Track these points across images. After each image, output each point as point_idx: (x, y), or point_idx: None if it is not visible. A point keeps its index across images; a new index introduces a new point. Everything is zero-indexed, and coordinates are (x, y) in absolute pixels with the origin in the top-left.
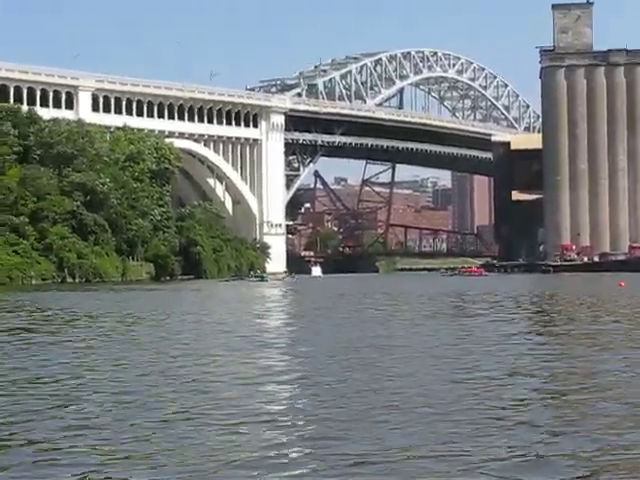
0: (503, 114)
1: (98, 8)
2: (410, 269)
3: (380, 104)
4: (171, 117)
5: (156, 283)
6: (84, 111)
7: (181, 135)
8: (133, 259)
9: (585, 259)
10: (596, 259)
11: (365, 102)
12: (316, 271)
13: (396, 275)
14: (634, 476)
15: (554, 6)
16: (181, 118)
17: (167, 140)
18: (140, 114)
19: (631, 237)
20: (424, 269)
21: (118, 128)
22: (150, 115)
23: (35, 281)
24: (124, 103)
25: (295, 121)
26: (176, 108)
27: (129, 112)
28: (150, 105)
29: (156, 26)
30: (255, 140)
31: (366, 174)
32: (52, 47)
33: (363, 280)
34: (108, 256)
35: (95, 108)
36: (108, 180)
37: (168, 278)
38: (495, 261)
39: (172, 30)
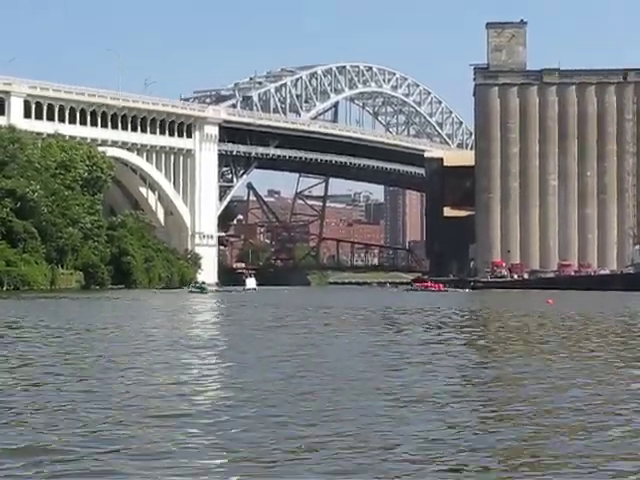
0: (437, 130)
1: (33, 14)
2: (342, 283)
3: (315, 117)
4: (104, 125)
5: (86, 292)
6: (16, 117)
7: (114, 143)
8: (63, 267)
9: (515, 276)
10: (526, 276)
11: (300, 115)
12: (250, 283)
13: (336, 289)
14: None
15: (488, 24)
16: (114, 127)
17: (100, 148)
18: (73, 122)
19: (560, 255)
20: (356, 283)
21: (50, 135)
22: (83, 123)
23: None
24: (57, 110)
25: (229, 132)
26: (109, 116)
27: (62, 119)
28: (83, 113)
29: (90, 33)
30: (189, 150)
31: (299, 187)
32: None
33: (304, 293)
34: (37, 264)
35: (27, 114)
36: (39, 187)
37: (98, 287)
38: (426, 276)
39: (106, 38)
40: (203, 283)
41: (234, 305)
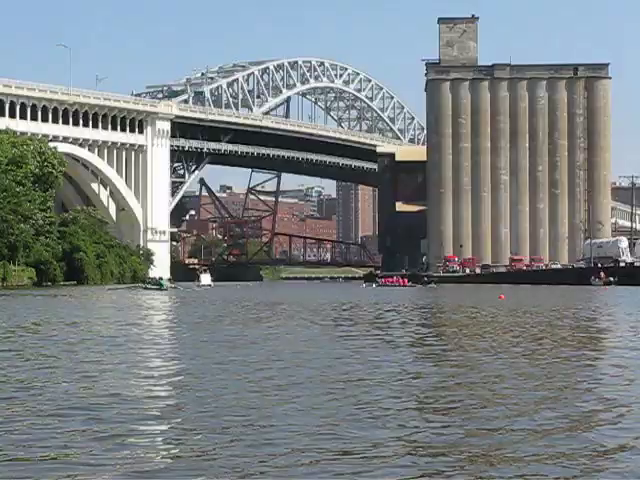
0: (389, 126)
1: None
2: (295, 278)
3: (267, 113)
4: (55, 121)
5: (37, 289)
6: None
7: (65, 139)
8: (14, 264)
9: (467, 271)
10: (478, 271)
11: (252, 110)
12: (205, 279)
13: (291, 284)
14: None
15: (440, 20)
16: (66, 122)
17: (51, 144)
18: (24, 117)
19: (512, 250)
20: (308, 278)
21: (1, 131)
22: (34, 118)
23: None
24: (7, 105)
25: (181, 128)
26: (61, 112)
27: (12, 115)
28: (34, 108)
29: (43, 29)
30: (141, 146)
31: (252, 182)
32: None
33: (258, 289)
34: None
35: None
36: None
37: (50, 284)
38: (379, 271)
39: (57, 33)
40: (161, 279)
41: (194, 302)
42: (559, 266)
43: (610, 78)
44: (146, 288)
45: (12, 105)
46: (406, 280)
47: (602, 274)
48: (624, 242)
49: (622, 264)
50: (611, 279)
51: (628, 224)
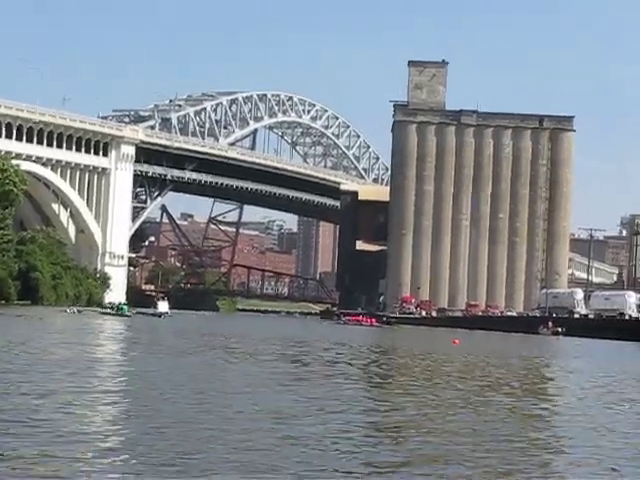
0: (353, 164)
1: None
2: (251, 310)
3: (233, 144)
4: (19, 139)
5: None
6: None
7: (28, 158)
8: None
9: (423, 313)
10: (434, 314)
11: (218, 140)
12: (163, 306)
13: (247, 316)
14: None
15: (410, 62)
16: (29, 141)
17: (13, 162)
18: None
19: (469, 295)
20: (265, 311)
21: None
22: None
23: None
24: None
25: (146, 153)
26: (25, 130)
27: None
28: None
29: (9, 45)
30: (104, 169)
31: (213, 212)
32: None
33: (215, 319)
34: None
35: None
36: None
37: (3, 302)
38: (335, 308)
39: (25, 52)
40: (124, 303)
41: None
42: (514, 313)
43: (574, 131)
44: (103, 313)
45: None
46: (374, 319)
47: (550, 324)
48: (579, 294)
49: (576, 315)
50: (559, 329)
51: (584, 276)
